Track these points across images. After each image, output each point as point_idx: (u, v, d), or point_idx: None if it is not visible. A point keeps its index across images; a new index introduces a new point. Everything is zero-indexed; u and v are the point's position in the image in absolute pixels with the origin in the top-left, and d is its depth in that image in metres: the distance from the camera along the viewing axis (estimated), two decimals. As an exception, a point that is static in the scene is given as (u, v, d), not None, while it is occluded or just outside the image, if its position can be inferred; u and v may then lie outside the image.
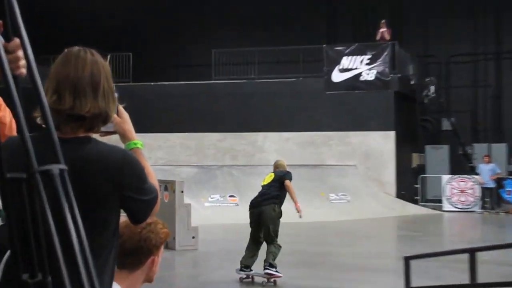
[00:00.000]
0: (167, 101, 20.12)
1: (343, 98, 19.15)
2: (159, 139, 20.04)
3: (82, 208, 0.91)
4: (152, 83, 20.56)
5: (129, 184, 1.82)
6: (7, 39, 1.04)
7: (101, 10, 23.96)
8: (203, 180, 16.84)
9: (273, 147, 19.59)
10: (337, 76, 19.18)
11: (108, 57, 1.97)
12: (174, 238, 10.57)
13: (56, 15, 23.66)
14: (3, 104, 4.07)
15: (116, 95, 1.93)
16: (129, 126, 2.04)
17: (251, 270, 7.99)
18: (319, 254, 10.43)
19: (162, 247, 2.23)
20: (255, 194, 14.80)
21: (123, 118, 2.02)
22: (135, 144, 2.00)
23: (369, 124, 18.91)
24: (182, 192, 11.17)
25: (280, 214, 8.19)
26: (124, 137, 2.02)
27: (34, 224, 0.98)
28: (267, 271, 7.76)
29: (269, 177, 8.77)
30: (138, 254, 2.17)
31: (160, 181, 12.22)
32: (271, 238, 7.98)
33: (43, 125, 1.73)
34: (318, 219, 15.61)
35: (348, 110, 19.11)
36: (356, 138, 19.04)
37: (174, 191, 11.06)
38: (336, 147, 19.21)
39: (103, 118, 1.84)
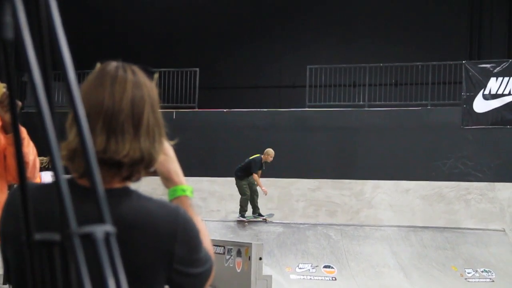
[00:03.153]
0: (243, 135, 20.37)
1: (488, 135, 18.69)
2: (231, 186, 20.24)
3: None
4: (225, 110, 20.92)
5: (182, 256, 1.83)
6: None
7: (159, 14, 24.82)
8: (288, 243, 16.81)
9: (387, 201, 19.33)
10: (481, 105, 18.81)
11: (156, 76, 1.94)
12: (247, 322, 10.57)
13: (104, 19, 24.72)
14: (27, 138, 4.26)
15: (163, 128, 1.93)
16: (175, 165, 2.00)
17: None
18: None
19: None
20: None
21: (167, 155, 1.99)
22: (183, 191, 1.98)
23: (525, 173, 18.35)
24: (260, 259, 11.19)
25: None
26: (168, 180, 1.99)
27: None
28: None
29: None
30: None
31: (232, 244, 12.29)
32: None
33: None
34: (449, 305, 15.18)
35: (495, 153, 18.63)
36: (506, 192, 18.50)
37: (249, 258, 11.10)
38: (477, 204, 18.72)
39: (146, 163, 1.83)
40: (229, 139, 20.43)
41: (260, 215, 17.24)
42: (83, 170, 1.79)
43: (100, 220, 0.93)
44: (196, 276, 1.86)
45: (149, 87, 1.85)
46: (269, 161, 17.31)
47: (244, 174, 17.44)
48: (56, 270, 1.02)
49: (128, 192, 1.83)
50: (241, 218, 17.19)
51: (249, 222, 17.36)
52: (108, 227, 0.91)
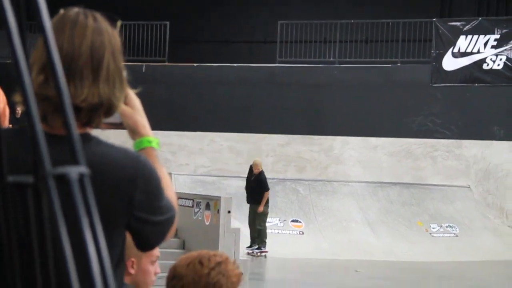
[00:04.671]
0: (214, 90, 20.32)
1: (456, 93, 18.84)
2: (201, 140, 20.26)
3: (74, 232, 0.92)
4: (195, 64, 20.82)
5: (142, 202, 1.83)
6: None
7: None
8: (258, 197, 16.90)
9: (355, 157, 19.47)
10: (450, 63, 18.92)
11: (119, 23, 1.93)
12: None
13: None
14: None
15: (124, 75, 1.93)
16: (141, 117, 2.01)
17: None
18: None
19: None
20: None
21: (134, 107, 2.00)
22: (149, 142, 1.99)
23: (492, 131, 18.55)
24: (229, 212, 11.27)
25: None
26: (134, 132, 2.00)
27: (41, 245, 1.01)
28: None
29: None
30: None
31: (201, 197, 12.34)
32: None
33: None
34: (414, 258, 15.41)
35: (462, 110, 18.80)
36: (472, 149, 18.73)
37: (218, 211, 11.17)
38: (443, 161, 18.93)
39: (106, 109, 1.83)
40: (199, 94, 20.36)
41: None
42: (42, 114, 1.77)
43: (73, 162, 0.94)
44: (156, 224, 1.87)
45: (111, 33, 1.85)
46: (254, 171, 15.68)
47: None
48: (29, 212, 1.03)
49: (88, 138, 1.83)
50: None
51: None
52: (82, 168, 0.93)
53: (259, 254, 14.74)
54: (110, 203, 1.78)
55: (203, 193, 14.60)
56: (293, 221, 16.70)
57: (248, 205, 15.45)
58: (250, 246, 14.87)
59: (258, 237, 14.94)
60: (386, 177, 18.65)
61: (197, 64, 20.80)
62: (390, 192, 17.91)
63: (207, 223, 11.41)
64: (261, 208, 14.89)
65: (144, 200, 1.83)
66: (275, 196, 17.00)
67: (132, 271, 2.83)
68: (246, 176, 15.85)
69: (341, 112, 19.56)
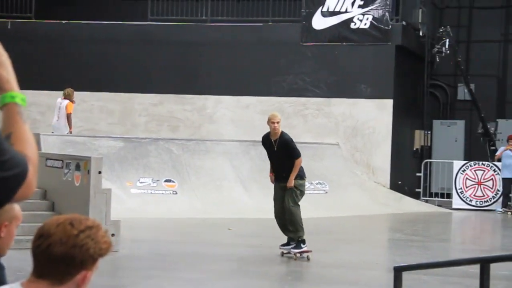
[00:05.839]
0: (83, 48, 19.92)
1: (325, 52, 19.25)
2: (70, 100, 19.83)
3: None
4: (63, 22, 20.30)
5: None
6: None
7: None
8: (129, 157, 16.80)
9: (228, 116, 19.64)
10: (319, 22, 19.25)
11: None
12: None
13: None
14: None
15: None
16: (6, 72, 1.96)
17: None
18: (286, 261, 10.58)
19: (99, 261, 2.23)
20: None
21: None
22: (12, 97, 1.94)
23: (359, 89, 19.11)
24: (99, 173, 11.15)
25: None
26: None
27: None
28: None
29: None
30: (67, 264, 2.14)
31: (71, 157, 12.14)
32: None
33: None
34: (285, 215, 15.80)
35: (331, 69, 19.25)
36: (340, 107, 19.24)
37: (88, 172, 11.04)
38: (313, 119, 19.37)
39: None
40: (68, 52, 19.92)
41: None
42: None
43: None
44: None
45: None
46: (272, 128, 11.53)
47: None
48: None
49: None
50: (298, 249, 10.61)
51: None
52: None
53: (298, 255, 10.39)
54: None
55: (73, 153, 14.35)
56: (166, 181, 16.72)
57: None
58: (287, 244, 10.60)
59: (290, 224, 10.43)
60: (258, 136, 18.80)
61: (66, 21, 20.29)
62: (262, 150, 18.10)
63: (77, 184, 11.26)
64: (291, 182, 10.51)
65: None
66: (147, 156, 16.94)
67: (2, 234, 2.85)
68: (265, 146, 11.82)
69: (213, 71, 19.64)
